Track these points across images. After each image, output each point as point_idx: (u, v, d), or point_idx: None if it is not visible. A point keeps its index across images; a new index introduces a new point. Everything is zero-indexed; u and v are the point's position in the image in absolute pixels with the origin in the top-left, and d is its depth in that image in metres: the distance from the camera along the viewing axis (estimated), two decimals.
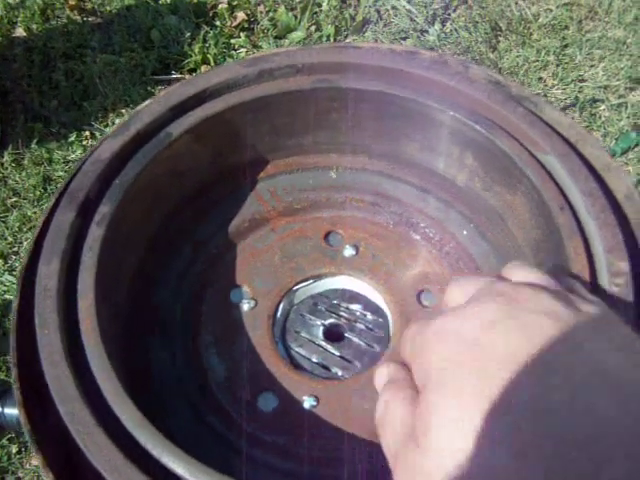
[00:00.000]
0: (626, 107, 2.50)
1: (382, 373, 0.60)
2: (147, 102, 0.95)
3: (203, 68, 2.84)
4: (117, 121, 2.70)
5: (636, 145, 2.38)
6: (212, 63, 2.82)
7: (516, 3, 2.80)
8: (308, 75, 0.96)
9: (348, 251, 1.01)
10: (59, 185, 0.89)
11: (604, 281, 0.77)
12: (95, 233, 0.82)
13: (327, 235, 1.03)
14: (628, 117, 2.47)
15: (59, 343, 0.73)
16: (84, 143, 2.66)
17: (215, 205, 1.01)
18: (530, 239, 0.90)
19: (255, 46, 2.91)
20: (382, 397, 0.57)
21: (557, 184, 0.85)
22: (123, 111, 2.74)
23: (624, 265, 0.77)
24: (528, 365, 0.45)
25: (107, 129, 2.66)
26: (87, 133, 2.69)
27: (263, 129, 0.99)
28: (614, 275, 0.77)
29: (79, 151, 2.61)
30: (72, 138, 2.67)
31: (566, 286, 0.59)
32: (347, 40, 2.85)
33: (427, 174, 1.02)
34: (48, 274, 0.78)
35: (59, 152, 2.62)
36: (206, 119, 0.93)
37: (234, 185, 1.02)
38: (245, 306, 0.96)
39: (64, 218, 0.82)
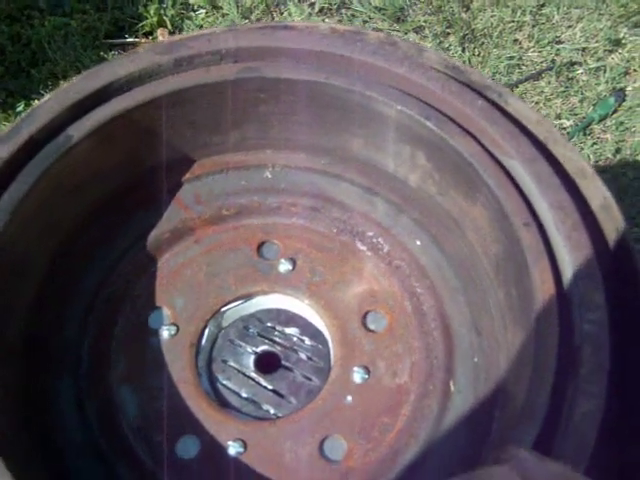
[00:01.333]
0: (605, 71, 2.36)
1: None
2: (46, 97, 0.81)
3: (159, 31, 2.67)
4: None
5: (614, 111, 2.25)
6: (169, 26, 2.66)
7: None
8: (233, 62, 0.82)
9: (284, 266, 0.88)
10: None
11: (575, 316, 0.65)
12: None
13: (260, 246, 0.90)
14: (607, 82, 2.33)
15: None
16: None
17: (129, 216, 0.88)
18: (491, 255, 0.78)
19: (215, 7, 2.74)
20: None
21: (523, 194, 0.72)
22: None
23: (598, 297, 0.65)
24: None
25: None
26: (36, 102, 2.52)
27: (182, 126, 0.85)
28: (587, 309, 0.65)
29: None
30: (20, 108, 2.51)
31: None
32: None
33: (374, 173, 0.88)
34: None
35: (6, 124, 2.46)
36: (113, 118, 0.79)
37: (151, 191, 0.88)
38: (165, 333, 0.83)
39: None
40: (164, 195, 0.89)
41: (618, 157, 2.17)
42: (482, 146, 0.75)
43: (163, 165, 0.88)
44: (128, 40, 2.69)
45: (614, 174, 2.12)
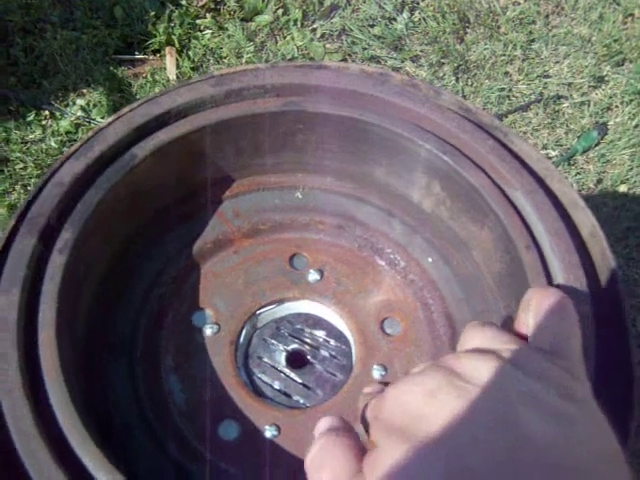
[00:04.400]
0: (589, 105, 2.51)
1: (325, 421, 0.63)
2: (110, 119, 0.92)
3: (167, 49, 2.78)
4: (78, 101, 2.62)
5: (597, 144, 2.40)
6: (177, 45, 2.75)
7: None
8: (276, 96, 0.94)
9: (313, 276, 1.00)
10: (19, 207, 0.85)
11: None
12: (57, 261, 0.80)
13: (292, 258, 1.02)
14: (590, 115, 2.48)
15: (19, 379, 0.71)
16: (43, 123, 2.58)
17: (177, 226, 0.99)
18: (494, 272, 0.91)
19: (221, 28, 2.84)
20: (321, 442, 0.59)
21: (524, 221, 0.85)
22: (84, 91, 2.66)
23: (586, 308, 0.78)
24: (451, 433, 0.48)
25: (67, 109, 2.58)
26: (46, 113, 2.61)
27: (227, 150, 0.97)
28: None
29: (38, 131, 2.53)
30: (31, 117, 2.58)
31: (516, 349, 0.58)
32: (314, 25, 2.81)
33: (393, 198, 1.01)
34: (7, 305, 0.76)
35: (17, 132, 2.53)
36: (172, 141, 0.90)
37: (197, 205, 1.00)
38: (208, 331, 0.95)
39: (24, 245, 0.80)
40: (208, 209, 1.01)
41: (599, 187, 2.32)
42: (491, 179, 0.87)
43: (208, 183, 0.99)
44: (137, 56, 2.78)
45: (595, 203, 2.26)
